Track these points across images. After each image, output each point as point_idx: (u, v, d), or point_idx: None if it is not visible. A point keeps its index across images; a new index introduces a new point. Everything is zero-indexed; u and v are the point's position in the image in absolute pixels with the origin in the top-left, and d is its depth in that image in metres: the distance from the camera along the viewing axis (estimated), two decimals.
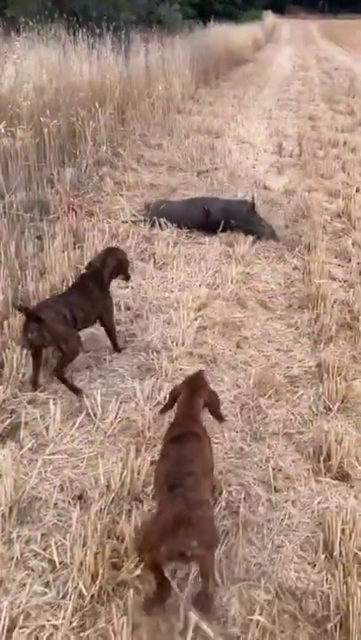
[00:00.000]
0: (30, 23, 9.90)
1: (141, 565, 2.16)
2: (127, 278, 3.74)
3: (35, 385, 3.28)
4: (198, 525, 1.93)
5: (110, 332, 3.60)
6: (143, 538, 2.10)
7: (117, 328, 3.82)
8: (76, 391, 3.23)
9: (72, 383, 3.26)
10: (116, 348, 3.64)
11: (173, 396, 2.60)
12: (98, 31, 10.12)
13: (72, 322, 3.26)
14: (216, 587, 2.19)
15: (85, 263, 4.33)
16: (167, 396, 2.73)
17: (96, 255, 3.78)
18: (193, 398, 2.53)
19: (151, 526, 2.03)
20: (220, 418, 2.65)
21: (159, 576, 2.05)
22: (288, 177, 7.52)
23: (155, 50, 11.57)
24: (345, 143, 9.34)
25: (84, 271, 3.67)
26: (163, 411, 2.71)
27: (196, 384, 2.60)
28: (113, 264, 3.53)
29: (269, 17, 39.40)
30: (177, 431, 2.40)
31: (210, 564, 2.07)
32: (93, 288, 3.46)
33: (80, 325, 3.35)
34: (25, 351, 3.36)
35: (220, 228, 5.46)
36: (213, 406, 2.59)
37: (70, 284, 3.77)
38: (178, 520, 1.92)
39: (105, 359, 3.58)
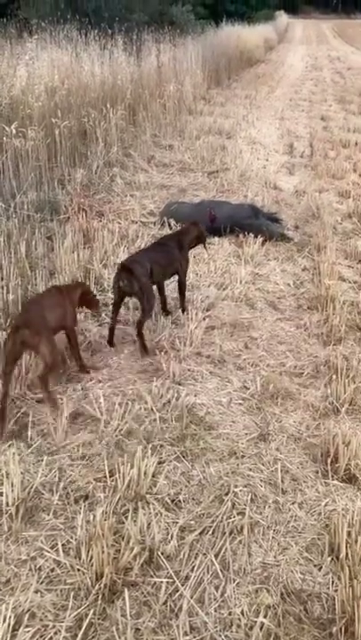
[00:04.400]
0: (43, 24, 9.97)
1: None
2: (205, 249, 4.47)
3: (112, 340, 3.70)
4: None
5: (183, 286, 4.10)
6: None
7: (125, 327, 3.87)
8: (146, 351, 3.60)
9: (144, 342, 3.62)
10: (183, 305, 4.13)
11: None
12: (110, 32, 10.16)
13: (150, 275, 3.68)
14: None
15: (95, 264, 4.43)
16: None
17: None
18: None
19: None
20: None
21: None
22: (299, 177, 7.50)
23: (166, 50, 11.59)
24: (357, 143, 9.31)
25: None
26: None
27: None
28: (195, 234, 4.15)
29: (282, 17, 39.44)
30: None
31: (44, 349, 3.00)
32: (173, 248, 3.98)
33: (155, 278, 3.79)
34: (32, 355, 3.37)
35: (226, 233, 5.46)
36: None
37: (153, 242, 4.27)
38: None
39: (112, 359, 3.59)
